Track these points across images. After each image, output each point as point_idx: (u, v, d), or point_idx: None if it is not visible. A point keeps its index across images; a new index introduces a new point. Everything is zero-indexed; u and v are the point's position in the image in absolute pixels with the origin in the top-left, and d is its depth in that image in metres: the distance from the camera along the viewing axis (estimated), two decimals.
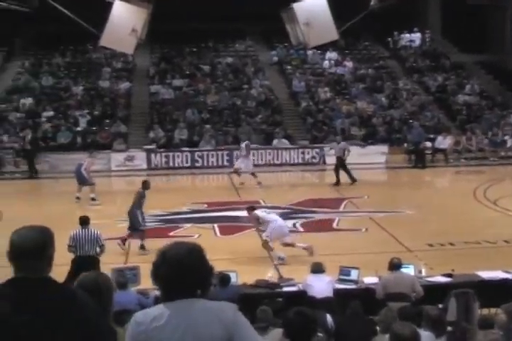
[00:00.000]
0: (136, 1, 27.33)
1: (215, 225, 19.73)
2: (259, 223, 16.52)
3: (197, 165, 30.03)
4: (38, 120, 32.96)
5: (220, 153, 30.50)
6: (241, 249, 16.72)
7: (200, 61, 39.49)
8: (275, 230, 15.86)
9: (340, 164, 26.11)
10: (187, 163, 30.40)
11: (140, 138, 32.24)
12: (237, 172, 26.03)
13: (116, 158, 30.23)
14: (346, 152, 26.27)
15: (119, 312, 6.71)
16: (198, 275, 3.81)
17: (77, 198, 23.13)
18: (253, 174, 25.95)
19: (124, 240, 17.14)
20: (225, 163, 29.99)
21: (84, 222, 14.15)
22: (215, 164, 30.28)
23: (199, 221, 20.32)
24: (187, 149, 30.76)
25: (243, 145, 26.56)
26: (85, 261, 13.24)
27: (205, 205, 22.45)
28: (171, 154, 30.54)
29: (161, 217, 20.86)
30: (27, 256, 3.74)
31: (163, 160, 30.34)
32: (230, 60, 39.60)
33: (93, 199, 23.13)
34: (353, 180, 25.89)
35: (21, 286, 3.72)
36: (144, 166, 30.08)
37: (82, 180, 23.28)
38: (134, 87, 36.93)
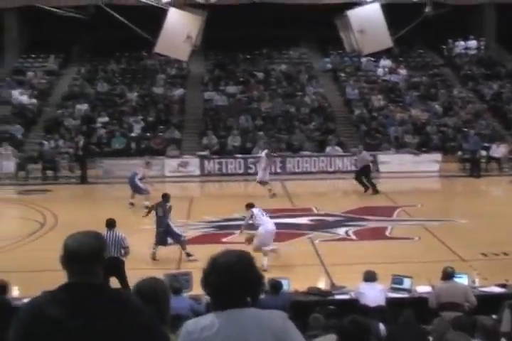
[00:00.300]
0: (191, 8, 27.65)
1: None
2: (250, 219, 16.77)
3: (250, 171, 30.10)
4: (93, 126, 33.40)
5: (273, 160, 30.55)
6: (293, 256, 16.74)
7: (254, 68, 39.65)
8: (263, 237, 16.23)
9: (361, 173, 26.06)
10: (240, 169, 30.50)
11: (194, 145, 32.45)
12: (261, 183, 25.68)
13: (170, 164, 30.46)
14: (366, 162, 26.25)
15: (173, 318, 6.77)
16: (248, 283, 3.79)
17: (131, 204, 23.36)
18: (263, 183, 25.56)
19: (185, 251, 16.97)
20: (278, 170, 30.02)
21: (110, 224, 14.57)
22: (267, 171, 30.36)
23: (251, 228, 20.36)
24: (240, 156, 30.87)
25: (263, 154, 26.15)
26: (110, 263, 12.97)
27: None
28: (224, 160, 30.68)
29: (214, 223, 20.98)
30: (82, 261, 3.77)
31: (217, 166, 30.50)
32: (283, 66, 39.66)
33: (147, 207, 23.28)
34: (366, 189, 25.76)
35: (76, 291, 3.74)
36: (198, 172, 30.26)
37: (137, 190, 23.53)
38: (188, 93, 37.19)
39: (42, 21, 39.25)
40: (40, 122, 34.67)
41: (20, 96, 36.13)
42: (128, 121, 33.64)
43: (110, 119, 33.88)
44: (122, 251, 14.18)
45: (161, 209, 17.29)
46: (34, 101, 36.15)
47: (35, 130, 34.08)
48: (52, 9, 35.28)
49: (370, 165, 26.45)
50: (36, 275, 14.42)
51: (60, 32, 39.20)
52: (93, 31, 39.26)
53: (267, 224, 16.55)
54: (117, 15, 31.13)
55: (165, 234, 16.99)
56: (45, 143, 31.04)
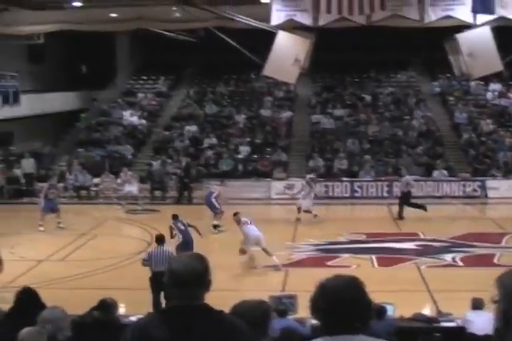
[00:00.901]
0: (300, 31, 27.88)
1: (373, 256, 19.73)
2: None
3: (356, 195, 30.06)
4: (200, 147, 34.01)
5: (379, 183, 30.41)
6: (399, 281, 16.66)
7: (362, 91, 39.66)
8: (248, 241, 18.77)
9: (403, 198, 25.87)
10: (346, 192, 30.47)
11: (300, 167, 32.62)
12: (300, 209, 25.46)
13: (276, 186, 30.70)
14: (408, 186, 26.07)
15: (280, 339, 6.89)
16: (358, 309, 3.75)
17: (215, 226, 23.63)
18: (301, 209, 25.35)
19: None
20: (385, 194, 29.88)
21: (160, 240, 15.42)
22: (374, 195, 30.21)
23: (357, 251, 20.38)
24: (346, 179, 30.87)
25: (306, 180, 26.07)
26: (159, 277, 13.79)
27: (364, 236, 22.47)
28: (330, 183, 30.74)
29: (319, 246, 21.06)
30: (188, 283, 3.82)
31: (323, 189, 30.56)
32: (391, 90, 39.56)
33: (215, 226, 23.50)
34: (401, 216, 25.72)
35: (180, 313, 3.82)
36: None
37: (212, 208, 23.99)
38: (296, 116, 37.47)
39: (153, 44, 40.32)
40: (150, 143, 35.56)
41: (131, 117, 37.19)
42: (235, 143, 34.11)
43: (218, 141, 34.43)
44: None
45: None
46: (144, 122, 37.14)
47: (144, 150, 34.98)
48: (163, 32, 36.20)
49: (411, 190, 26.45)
50: (143, 293, 14.77)
51: (170, 54, 40.22)
52: (202, 54, 40.08)
53: (253, 232, 18.83)
54: (227, 38, 31.73)
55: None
56: (154, 163, 31.78)
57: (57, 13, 31.87)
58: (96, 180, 30.76)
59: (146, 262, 15.24)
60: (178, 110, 38.69)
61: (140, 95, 40.51)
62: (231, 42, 31.44)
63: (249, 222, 19.24)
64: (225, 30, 31.58)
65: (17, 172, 31.47)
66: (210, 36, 33.27)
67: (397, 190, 28.33)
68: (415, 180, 29.55)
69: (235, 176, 31.16)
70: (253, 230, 18.92)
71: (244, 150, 33.50)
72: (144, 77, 43.45)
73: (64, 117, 39.14)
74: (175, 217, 18.82)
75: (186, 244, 17.57)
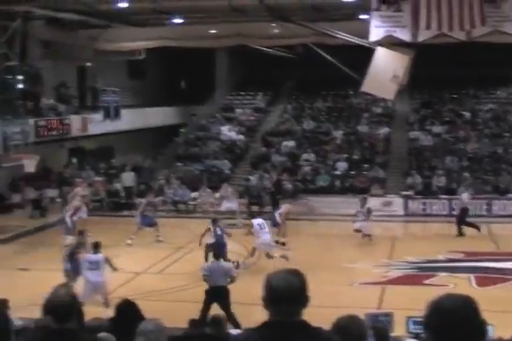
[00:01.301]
0: (399, 47, 27.78)
1: (472, 275, 19.42)
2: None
3: (454, 213, 29.61)
4: (298, 163, 34.12)
5: (478, 202, 29.84)
6: (498, 302, 16.33)
7: (461, 108, 39.11)
8: (258, 247, 20.70)
9: (461, 216, 25.93)
10: (444, 210, 30.03)
11: (397, 184, 32.34)
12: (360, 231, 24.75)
13: (373, 203, 30.41)
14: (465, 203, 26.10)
15: None
16: (472, 328, 3.66)
17: (279, 242, 23.48)
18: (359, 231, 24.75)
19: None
20: (484, 213, 29.34)
21: (217, 256, 16.26)
22: (473, 213, 29.68)
23: (455, 270, 20.11)
24: (445, 196, 30.43)
25: (365, 208, 25.40)
26: (217, 291, 15.00)
27: (462, 254, 22.14)
28: (428, 201, 30.37)
29: (416, 264, 20.87)
30: (286, 300, 3.81)
31: (421, 206, 30.23)
32: (491, 106, 38.88)
33: (277, 242, 23.35)
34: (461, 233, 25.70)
35: (279, 329, 3.81)
36: (401, 212, 30.10)
37: (274, 224, 24.09)
38: (393, 132, 37.20)
39: (251, 60, 40.77)
40: (247, 158, 35.87)
41: (229, 132, 37.63)
42: (333, 159, 34.09)
43: (315, 157, 34.48)
44: (228, 280, 15.26)
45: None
46: (242, 137, 37.51)
47: (242, 165, 35.29)
48: (261, 48, 36.60)
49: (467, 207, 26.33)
50: (239, 307, 14.93)
51: (268, 70, 40.60)
52: (300, 69, 40.31)
53: (263, 237, 20.57)
54: (325, 54, 31.86)
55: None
56: (252, 178, 32.02)
57: (158, 30, 32.65)
58: (194, 194, 31.20)
59: (207, 277, 15.44)
60: (275, 126, 38.94)
61: (238, 110, 40.98)
62: (329, 58, 31.59)
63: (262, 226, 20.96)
64: (323, 46, 31.74)
65: (117, 185, 32.20)
66: (309, 52, 33.52)
67: (487, 208, 28.17)
68: None
69: (331, 192, 31.13)
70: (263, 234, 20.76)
71: (342, 166, 33.43)
72: (243, 93, 43.93)
73: (163, 132, 39.89)
74: (215, 222, 20.97)
75: (218, 246, 19.88)
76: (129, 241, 23.78)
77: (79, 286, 15.51)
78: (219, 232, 20.67)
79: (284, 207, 24.82)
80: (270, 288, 3.88)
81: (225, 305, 14.88)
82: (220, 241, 20.47)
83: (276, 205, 29.08)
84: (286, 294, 3.82)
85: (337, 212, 28.69)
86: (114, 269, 16.57)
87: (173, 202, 30.81)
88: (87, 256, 16.49)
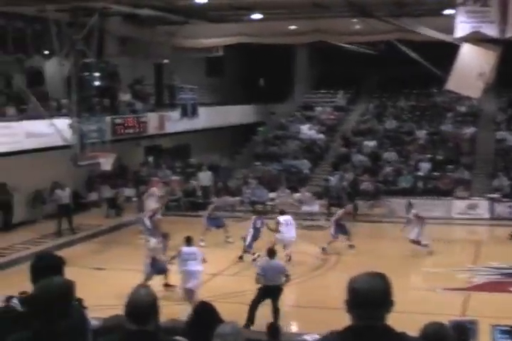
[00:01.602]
0: (485, 44, 27.29)
1: None
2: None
3: None
4: (379, 163, 33.86)
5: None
6: None
7: None
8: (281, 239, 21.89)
9: None
10: None
11: (483, 186, 31.79)
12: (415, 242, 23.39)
13: (458, 206, 30.08)
14: None
15: None
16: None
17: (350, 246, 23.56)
18: (417, 242, 23.19)
19: None
20: None
21: (271, 253, 16.15)
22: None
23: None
24: None
25: (412, 213, 23.98)
26: (271, 290, 15.39)
27: None
28: None
29: (501, 270, 20.51)
30: (370, 305, 3.79)
31: (507, 210, 29.66)
32: None
33: (351, 246, 23.29)
34: None
35: (363, 334, 3.79)
36: (487, 215, 29.56)
37: (343, 230, 23.97)
38: (479, 132, 36.56)
39: (332, 56, 40.58)
40: (327, 158, 35.77)
41: (309, 131, 37.59)
42: (416, 159, 33.72)
43: (398, 157, 34.17)
44: (283, 279, 15.65)
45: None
46: (321, 136, 37.43)
47: (321, 165, 35.20)
48: (342, 45, 36.41)
49: None
50: (315, 311, 14.91)
51: (349, 67, 40.35)
52: (383, 67, 39.95)
53: (283, 234, 21.85)
54: (408, 51, 31.51)
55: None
56: (331, 179, 31.90)
57: (237, 26, 32.74)
58: (272, 195, 31.23)
59: (260, 276, 15.66)
60: (357, 124, 38.74)
61: (318, 109, 40.93)
62: (412, 54, 31.22)
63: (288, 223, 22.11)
64: (407, 43, 31.39)
65: (194, 184, 32.47)
66: (391, 49, 33.17)
67: None
68: None
69: (414, 194, 30.77)
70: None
71: (425, 167, 33.05)
72: (323, 91, 43.83)
73: (241, 130, 40.06)
74: (259, 214, 23.13)
75: (254, 239, 21.81)
76: (202, 243, 23.93)
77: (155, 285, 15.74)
78: (258, 225, 22.25)
79: (339, 214, 24.39)
80: (353, 291, 3.86)
81: (275, 302, 15.47)
82: (256, 235, 22.02)
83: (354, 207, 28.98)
84: (370, 297, 3.80)
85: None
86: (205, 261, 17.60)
87: (251, 203, 30.88)
88: (182, 249, 17.51)
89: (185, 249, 17.49)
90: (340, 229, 23.66)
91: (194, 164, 35.35)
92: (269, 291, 15.42)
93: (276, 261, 16.10)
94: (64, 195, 26.51)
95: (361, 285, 3.84)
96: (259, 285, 15.67)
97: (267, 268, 15.61)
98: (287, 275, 15.73)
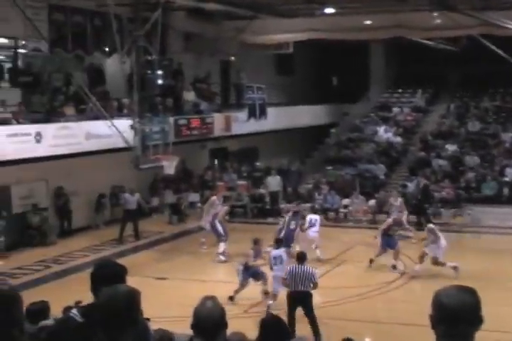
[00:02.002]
0: None
1: None
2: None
3: None
4: (461, 168, 33.34)
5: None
6: None
7: None
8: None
9: None
10: None
11: None
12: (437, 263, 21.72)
13: None
14: None
15: None
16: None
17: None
18: (438, 263, 21.34)
19: None
20: None
21: (300, 258, 16.09)
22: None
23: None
24: None
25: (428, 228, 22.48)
26: (299, 296, 15.46)
27: None
28: None
29: None
30: (461, 320, 3.66)
31: None
32: None
33: (394, 267, 22.28)
34: None
35: None
36: None
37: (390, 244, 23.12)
38: None
39: (410, 53, 40.21)
40: (405, 162, 35.37)
41: (385, 133, 37.26)
42: (501, 165, 33.11)
43: (481, 161, 33.61)
44: (311, 285, 15.63)
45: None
46: (399, 139, 37.06)
47: (398, 170, 34.83)
48: (421, 41, 36.01)
49: None
50: (394, 327, 14.67)
51: (428, 65, 39.92)
52: (465, 64, 39.42)
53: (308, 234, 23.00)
54: (493, 47, 31.03)
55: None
56: (409, 184, 31.49)
57: (308, 21, 32.62)
58: (345, 201, 30.96)
59: (286, 280, 15.80)
60: (436, 126, 38.24)
61: (395, 110, 40.56)
62: (498, 51, 30.73)
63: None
64: (492, 38, 30.92)
65: (262, 190, 32.39)
66: (474, 44, 32.72)
67: None
68: None
69: (499, 201, 30.22)
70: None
71: (511, 172, 32.43)
72: (400, 90, 43.49)
73: (312, 132, 39.92)
74: (295, 214, 22.98)
75: (286, 238, 21.40)
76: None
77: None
78: (292, 226, 22.36)
79: (387, 223, 23.50)
80: (440, 305, 3.70)
81: (308, 309, 15.51)
82: (289, 234, 22.18)
83: (422, 215, 28.44)
84: (459, 313, 3.65)
85: (504, 225, 27.86)
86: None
87: (323, 210, 30.62)
88: (272, 252, 18.24)
89: (273, 251, 18.24)
90: (388, 241, 22.40)
91: (262, 168, 35.27)
92: (296, 296, 15.60)
93: (307, 266, 15.96)
94: (132, 200, 26.75)
95: (449, 300, 3.68)
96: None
97: (294, 273, 15.64)
98: (315, 283, 15.73)
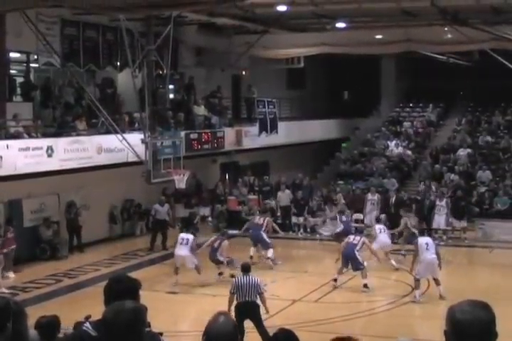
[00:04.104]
0: None
1: None
2: None
3: None
4: (473, 182, 33.24)
5: None
6: None
7: None
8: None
9: None
10: None
11: None
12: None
13: None
14: None
15: None
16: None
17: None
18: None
19: None
20: None
21: (245, 269, 16.05)
22: None
23: None
24: None
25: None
26: (246, 306, 15.29)
27: None
28: None
29: None
30: (476, 336, 3.63)
31: None
32: None
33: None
34: None
35: None
36: None
37: None
38: None
39: (421, 68, 40.26)
40: (416, 176, 35.29)
41: (396, 147, 37.21)
42: None
43: (493, 176, 33.51)
44: (258, 296, 15.59)
45: None
46: (410, 153, 37.01)
47: (409, 184, 34.74)
48: (432, 55, 36.06)
49: None
50: None
51: (440, 79, 39.89)
52: (476, 79, 39.39)
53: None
54: (505, 62, 31.02)
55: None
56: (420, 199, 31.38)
57: (319, 35, 32.71)
58: (357, 216, 30.85)
59: (233, 295, 15.68)
60: (448, 141, 38.20)
61: (406, 124, 40.52)
62: (510, 65, 30.73)
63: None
64: (504, 52, 30.93)
65: (272, 204, 32.33)
66: (486, 59, 32.75)
67: None
68: None
69: (510, 216, 30.10)
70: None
71: None
72: (411, 104, 43.46)
73: (323, 147, 39.93)
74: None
75: (346, 233, 23.13)
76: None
77: None
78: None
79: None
80: (455, 321, 3.68)
81: (257, 320, 15.37)
82: (347, 228, 24.74)
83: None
84: (474, 329, 3.62)
85: None
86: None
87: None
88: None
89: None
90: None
91: (272, 182, 35.22)
92: (243, 307, 15.43)
93: (252, 277, 15.83)
94: (162, 211, 27.81)
95: (464, 316, 3.66)
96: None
97: (241, 285, 15.55)
98: (261, 293, 15.70)
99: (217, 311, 4.47)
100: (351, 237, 21.97)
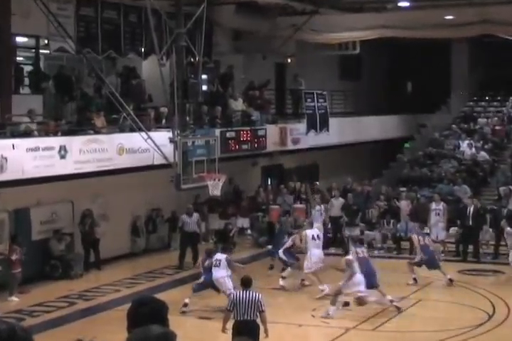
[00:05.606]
0: None
1: None
2: None
3: None
4: None
5: None
6: None
7: None
8: None
9: None
10: None
11: None
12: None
13: None
14: None
15: None
16: None
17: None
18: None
19: None
20: None
21: (245, 283, 15.99)
22: None
23: None
24: None
25: None
26: (244, 326, 15.18)
27: None
28: None
29: None
30: None
31: None
32: None
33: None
34: None
35: None
36: None
37: None
38: None
39: (499, 55, 39.94)
40: (493, 183, 34.90)
41: (469, 148, 36.89)
42: None
43: None
44: (258, 314, 15.45)
45: None
46: (486, 155, 36.64)
47: (485, 192, 34.39)
48: None
49: None
50: None
51: None
52: None
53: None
54: None
55: None
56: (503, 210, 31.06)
57: (378, 16, 32.56)
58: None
59: (230, 312, 15.77)
60: None
61: (481, 120, 40.20)
62: None
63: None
64: None
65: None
66: None
67: None
68: None
69: None
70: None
71: None
72: (487, 98, 43.12)
73: (382, 147, 39.77)
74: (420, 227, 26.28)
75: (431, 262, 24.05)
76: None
77: None
78: (422, 242, 24.81)
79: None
80: None
81: None
82: (428, 255, 24.26)
83: None
84: None
85: None
86: None
87: (394, 238, 30.33)
88: None
89: None
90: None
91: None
92: (242, 326, 15.28)
93: (253, 292, 15.71)
94: (192, 221, 27.70)
95: None
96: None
97: (239, 301, 15.47)
98: (262, 311, 15.49)
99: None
100: None
